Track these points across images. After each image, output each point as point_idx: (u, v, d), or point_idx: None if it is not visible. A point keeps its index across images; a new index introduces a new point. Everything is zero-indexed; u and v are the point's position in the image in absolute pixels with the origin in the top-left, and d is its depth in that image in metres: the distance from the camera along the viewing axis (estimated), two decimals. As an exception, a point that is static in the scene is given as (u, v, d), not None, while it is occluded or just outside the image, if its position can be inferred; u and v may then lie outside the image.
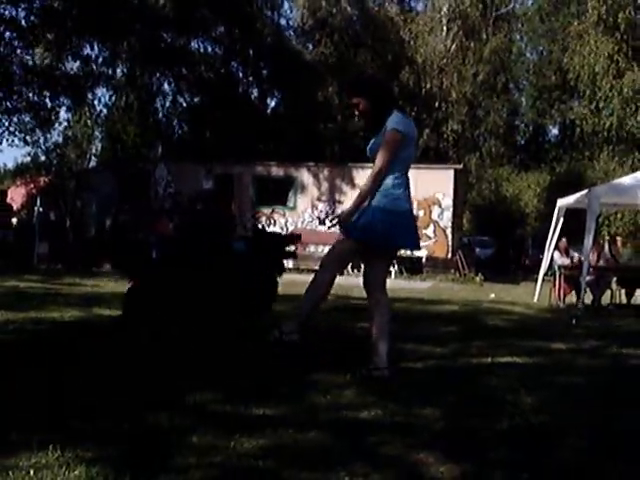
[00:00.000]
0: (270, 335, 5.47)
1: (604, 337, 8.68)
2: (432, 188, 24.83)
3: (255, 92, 37.26)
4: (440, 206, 24.82)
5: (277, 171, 26.95)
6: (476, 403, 4.67)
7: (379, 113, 5.40)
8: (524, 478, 3.20)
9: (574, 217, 17.73)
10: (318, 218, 26.09)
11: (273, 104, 38.38)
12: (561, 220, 17.37)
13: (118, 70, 33.86)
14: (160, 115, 37.08)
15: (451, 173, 25.32)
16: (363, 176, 25.74)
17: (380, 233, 5.28)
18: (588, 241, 15.10)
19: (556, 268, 15.98)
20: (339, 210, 25.67)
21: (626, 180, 16.82)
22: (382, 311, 5.42)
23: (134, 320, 6.86)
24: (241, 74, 36.72)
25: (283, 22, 37.98)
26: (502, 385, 5.23)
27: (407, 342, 7.28)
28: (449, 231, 24.82)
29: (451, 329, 8.96)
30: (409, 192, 5.49)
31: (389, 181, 5.35)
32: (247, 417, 4.08)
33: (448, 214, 24.88)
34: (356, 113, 5.65)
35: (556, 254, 17.13)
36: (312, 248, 25.79)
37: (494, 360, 6.40)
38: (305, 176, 26.49)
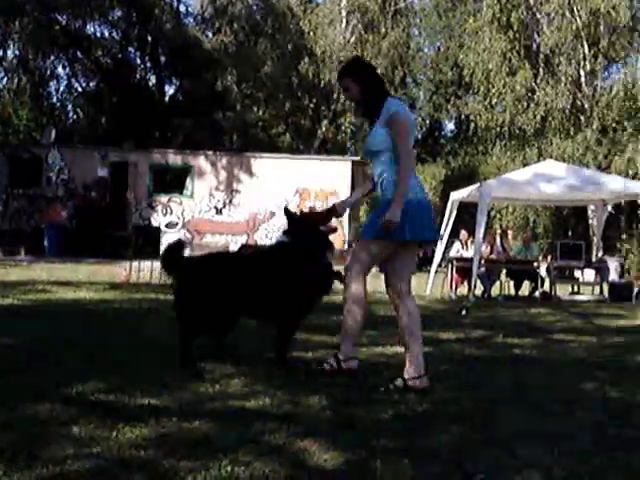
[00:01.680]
0: (326, 365, 5.20)
1: (492, 327, 8.89)
2: (330, 179, 25.01)
3: (153, 79, 36.66)
4: (337, 197, 24.96)
5: (174, 159, 26.62)
6: (362, 392, 4.71)
7: (370, 99, 5.18)
8: (405, 464, 3.25)
9: (467, 210, 18.15)
10: (215, 207, 25.92)
11: (171, 91, 37.90)
12: (454, 213, 17.72)
13: (9, 52, 32.77)
14: (54, 99, 36.10)
15: (349, 165, 25.53)
16: (261, 165, 25.81)
17: (406, 228, 4.94)
18: (479, 234, 15.49)
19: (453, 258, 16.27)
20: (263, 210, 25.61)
21: (516, 175, 17.31)
22: (414, 316, 5.06)
23: None
24: (138, 60, 36.06)
25: (182, 9, 37.45)
26: (389, 375, 5.29)
27: (300, 331, 7.29)
28: (346, 222, 25.00)
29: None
30: (418, 180, 5.30)
31: (395, 174, 5.03)
32: (131, 407, 4.02)
33: (345, 205, 25.06)
34: (348, 97, 5.49)
35: (457, 245, 17.47)
36: (209, 237, 25.63)
37: (384, 350, 6.48)
38: (203, 164, 26.26)
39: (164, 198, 26.01)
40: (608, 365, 6.33)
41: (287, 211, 5.65)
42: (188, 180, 26.10)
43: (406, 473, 3.17)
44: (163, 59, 35.71)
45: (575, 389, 5.14)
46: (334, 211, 5.57)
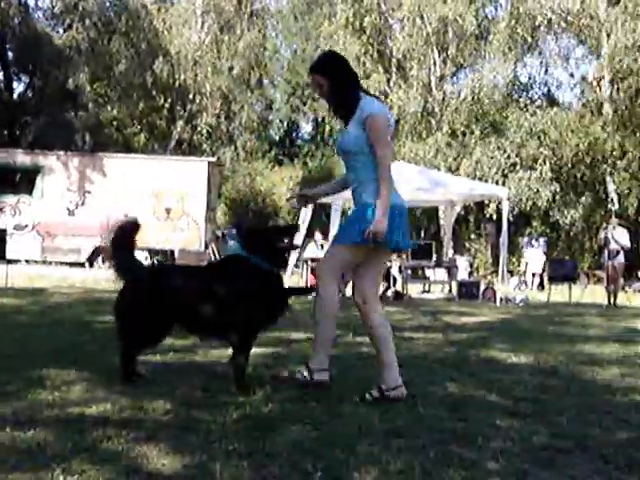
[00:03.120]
0: (298, 374, 4.93)
1: (345, 327, 9.00)
2: (185, 180, 24.77)
3: (0, 75, 35.21)
4: (193, 198, 24.78)
5: (23, 159, 25.70)
6: (208, 395, 4.69)
7: (342, 95, 4.87)
8: (245, 466, 3.25)
9: (324, 211, 18.37)
10: (67, 209, 25.19)
11: (20, 89, 36.53)
12: (309, 214, 17.91)
13: None
14: None
15: (205, 166, 25.36)
16: (115, 165, 25.25)
17: (394, 234, 4.72)
18: (333, 234, 15.69)
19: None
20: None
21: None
22: (384, 323, 4.90)
23: None
24: (-15, 56, 34.55)
25: (31, 3, 36.18)
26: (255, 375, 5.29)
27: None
28: (202, 223, 24.84)
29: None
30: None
31: (373, 175, 4.75)
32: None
33: (201, 207, 24.89)
34: (319, 94, 5.09)
35: (312, 246, 17.63)
36: (61, 240, 24.90)
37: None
38: (54, 165, 25.46)
39: (12, 199, 25.05)
40: (451, 361, 6.55)
41: (242, 223, 5.42)
42: (38, 181, 25.23)
43: (245, 475, 3.17)
44: (11, 55, 34.38)
45: (417, 385, 5.27)
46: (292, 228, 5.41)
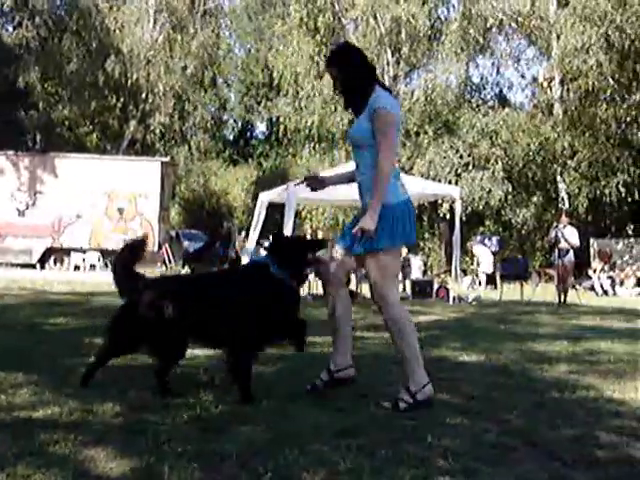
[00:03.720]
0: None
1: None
2: (138, 180, 24.57)
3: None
4: (146, 199, 24.58)
5: (-29, 159, 25.28)
6: (157, 396, 4.65)
7: (356, 87, 4.79)
8: (194, 468, 3.24)
9: (278, 211, 18.34)
10: (17, 209, 24.84)
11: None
12: (263, 214, 17.87)
13: None
14: None
15: (158, 165, 25.17)
16: (67, 165, 24.88)
17: (392, 233, 4.66)
18: (288, 234, 15.67)
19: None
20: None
21: (323, 176, 17.66)
22: (411, 325, 4.78)
23: None
24: None
25: (-20, 0, 35.47)
26: (188, 377, 5.26)
27: (100, 336, 7.12)
28: (155, 224, 24.65)
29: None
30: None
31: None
32: None
33: (154, 207, 24.70)
34: (336, 87, 4.97)
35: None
36: (10, 240, 24.55)
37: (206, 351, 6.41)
38: (4, 165, 25.09)
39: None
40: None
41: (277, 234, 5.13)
42: (-13, 181, 24.83)
43: (194, 477, 3.16)
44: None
45: (369, 384, 5.29)
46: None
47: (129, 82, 31.14)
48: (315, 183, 5.31)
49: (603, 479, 3.40)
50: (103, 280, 16.41)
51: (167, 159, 27.44)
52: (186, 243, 32.05)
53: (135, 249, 5.05)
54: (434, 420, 4.28)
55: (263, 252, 17.51)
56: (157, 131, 32.79)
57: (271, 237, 5.04)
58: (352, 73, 4.80)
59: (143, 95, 31.81)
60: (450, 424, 4.24)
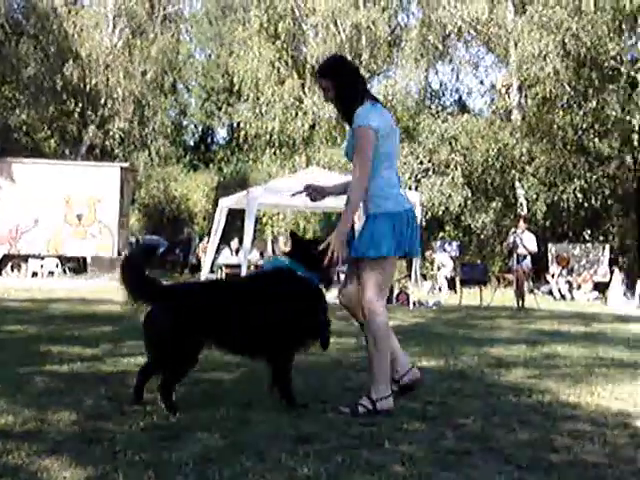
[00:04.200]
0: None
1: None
2: (97, 186, 24.32)
3: None
4: (105, 204, 24.35)
5: None
6: (116, 404, 4.62)
7: (346, 100, 4.84)
8: (149, 476, 3.21)
9: (240, 217, 18.30)
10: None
11: None
12: (223, 220, 17.86)
13: None
14: None
15: (117, 171, 24.93)
16: (24, 171, 24.47)
17: (394, 242, 4.71)
18: (248, 240, 15.71)
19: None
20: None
21: (282, 182, 17.71)
22: (387, 341, 4.83)
23: None
24: None
25: None
26: (146, 385, 5.21)
27: (57, 344, 7.07)
28: (115, 230, 24.42)
29: (106, 329, 8.81)
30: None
31: (380, 181, 4.77)
32: None
33: (114, 212, 24.48)
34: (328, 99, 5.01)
35: (226, 251, 17.55)
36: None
37: (143, 360, 6.34)
38: (-42, 171, 24.66)
39: None
40: (362, 366, 6.58)
41: (294, 235, 5.10)
42: None
43: (149, 485, 3.14)
44: None
45: (328, 390, 5.30)
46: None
47: (88, 87, 30.77)
48: (315, 193, 5.28)
49: (558, 482, 3.44)
50: (61, 287, 16.27)
51: (127, 165, 27.17)
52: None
53: (148, 253, 4.98)
54: (392, 426, 4.30)
55: (226, 255, 17.47)
56: (116, 136, 32.45)
57: (291, 240, 5.01)
58: (344, 85, 4.83)
59: (102, 100, 31.47)
60: (408, 429, 4.26)
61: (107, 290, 16.51)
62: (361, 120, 4.69)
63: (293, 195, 5.60)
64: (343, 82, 4.83)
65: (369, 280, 4.74)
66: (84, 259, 24.26)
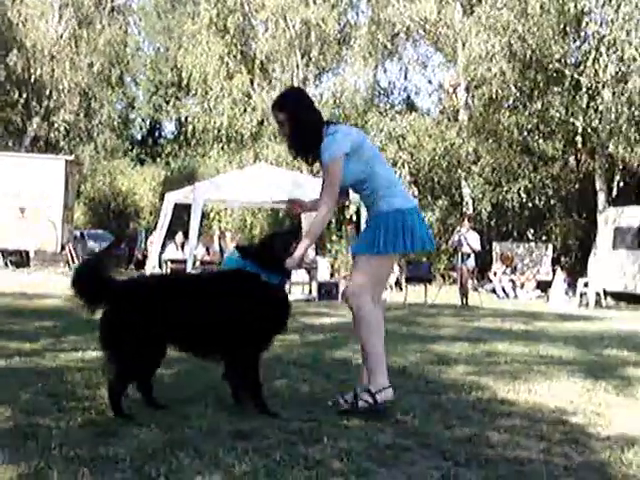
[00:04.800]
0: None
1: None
2: (41, 179, 23.92)
3: None
4: (49, 198, 23.97)
5: None
6: (53, 400, 4.55)
7: (303, 137, 4.67)
8: (84, 473, 3.18)
9: (186, 212, 18.20)
10: None
11: None
12: (169, 214, 17.73)
13: None
14: None
15: (62, 164, 24.56)
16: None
17: (400, 239, 4.70)
18: (194, 235, 15.63)
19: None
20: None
21: (229, 177, 17.65)
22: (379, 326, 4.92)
23: None
24: None
25: None
26: (85, 380, 5.16)
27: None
28: (59, 224, 24.06)
29: (47, 324, 8.69)
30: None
31: (383, 181, 4.71)
32: None
33: (58, 206, 24.11)
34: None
35: (172, 247, 17.42)
36: None
37: (84, 355, 6.31)
38: None
39: None
40: (305, 361, 6.61)
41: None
42: None
43: (83, 481, 3.11)
44: None
45: (269, 386, 5.29)
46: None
47: (32, 77, 30.27)
48: (296, 207, 5.19)
49: (493, 478, 3.48)
50: (2, 280, 16.01)
51: (72, 157, 26.78)
52: (91, 243, 31.46)
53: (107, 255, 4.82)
54: (330, 422, 4.32)
55: (171, 250, 17.34)
56: (61, 128, 31.97)
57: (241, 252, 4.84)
58: (301, 120, 4.66)
59: (47, 91, 30.98)
60: (347, 426, 4.29)
61: (49, 284, 16.30)
62: (326, 156, 4.58)
63: (276, 203, 5.50)
64: (300, 116, 4.66)
65: (360, 275, 4.82)
66: (27, 253, 23.85)
